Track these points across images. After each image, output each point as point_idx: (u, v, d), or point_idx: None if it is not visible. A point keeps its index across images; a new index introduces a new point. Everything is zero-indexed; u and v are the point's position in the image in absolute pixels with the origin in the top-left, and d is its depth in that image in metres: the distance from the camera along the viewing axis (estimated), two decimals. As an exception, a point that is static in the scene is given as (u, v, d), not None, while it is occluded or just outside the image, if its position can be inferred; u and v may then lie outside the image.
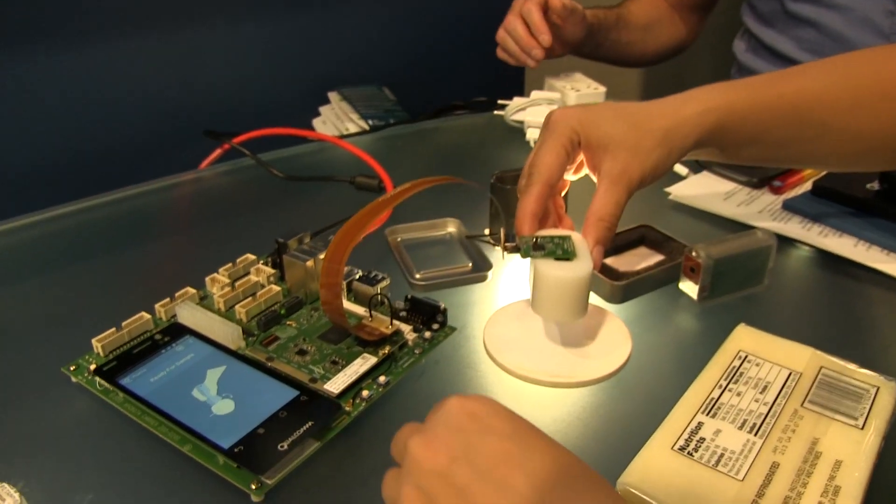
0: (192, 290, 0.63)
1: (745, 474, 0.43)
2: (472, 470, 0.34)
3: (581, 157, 0.60)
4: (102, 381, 0.54)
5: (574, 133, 0.58)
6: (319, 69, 1.15)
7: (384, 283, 0.62)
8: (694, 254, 0.62)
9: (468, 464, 0.35)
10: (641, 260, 0.69)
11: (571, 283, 0.55)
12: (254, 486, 0.46)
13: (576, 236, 0.58)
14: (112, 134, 1.02)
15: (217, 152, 0.93)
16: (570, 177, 0.63)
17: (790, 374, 0.51)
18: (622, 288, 0.64)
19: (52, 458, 0.50)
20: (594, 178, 0.60)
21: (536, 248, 0.56)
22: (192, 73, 1.06)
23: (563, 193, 0.64)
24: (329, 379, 0.53)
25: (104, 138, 1.01)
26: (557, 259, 0.55)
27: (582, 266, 0.55)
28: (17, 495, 0.35)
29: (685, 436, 0.46)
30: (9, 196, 0.96)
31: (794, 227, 0.74)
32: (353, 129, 1.04)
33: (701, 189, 0.83)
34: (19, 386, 0.57)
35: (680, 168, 0.87)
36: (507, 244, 0.58)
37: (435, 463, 0.35)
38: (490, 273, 0.68)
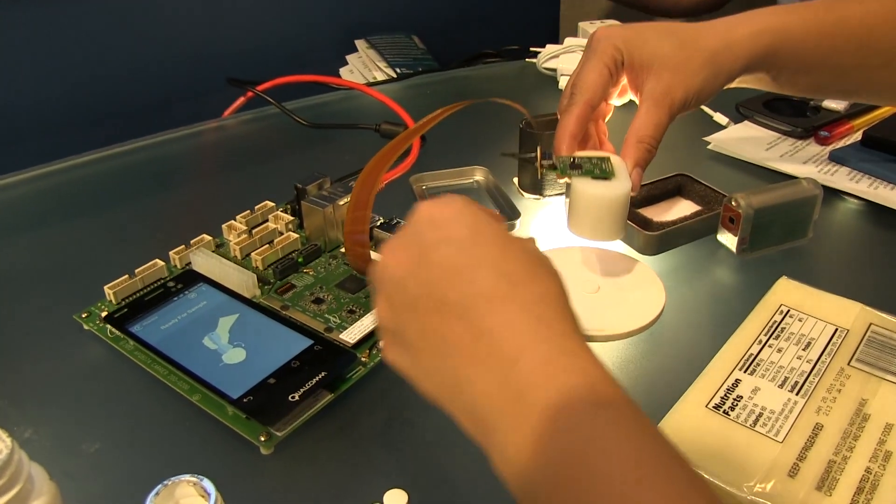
0: (207, 238, 0.60)
1: (786, 436, 0.40)
2: (420, 282, 0.35)
3: (624, 78, 0.57)
4: (113, 329, 0.52)
5: (618, 52, 0.55)
6: (347, 16, 1.12)
7: (407, 229, 0.60)
8: (733, 203, 0.59)
9: (418, 275, 0.35)
10: (678, 210, 0.66)
11: (609, 202, 0.52)
12: (263, 438, 0.44)
13: (615, 158, 0.56)
14: (135, 82, 1.00)
15: (241, 100, 0.91)
16: (614, 101, 0.60)
17: (836, 331, 0.48)
18: (656, 238, 0.60)
19: (62, 405, 0.49)
20: (636, 100, 0.57)
21: (574, 167, 0.54)
22: (217, 20, 1.04)
23: (605, 119, 0.61)
24: (345, 328, 0.51)
25: (127, 86, 0.99)
26: (595, 178, 0.53)
27: (620, 185, 0.53)
28: (8, 440, 0.33)
29: (721, 393, 0.43)
30: (30, 144, 0.95)
31: (841, 179, 0.70)
32: (380, 77, 1.00)
33: (742, 138, 0.79)
34: (32, 333, 0.55)
35: (720, 117, 0.83)
36: (543, 161, 0.55)
37: (394, 272, 0.36)
38: (518, 222, 0.64)
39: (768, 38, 0.54)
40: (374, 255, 0.58)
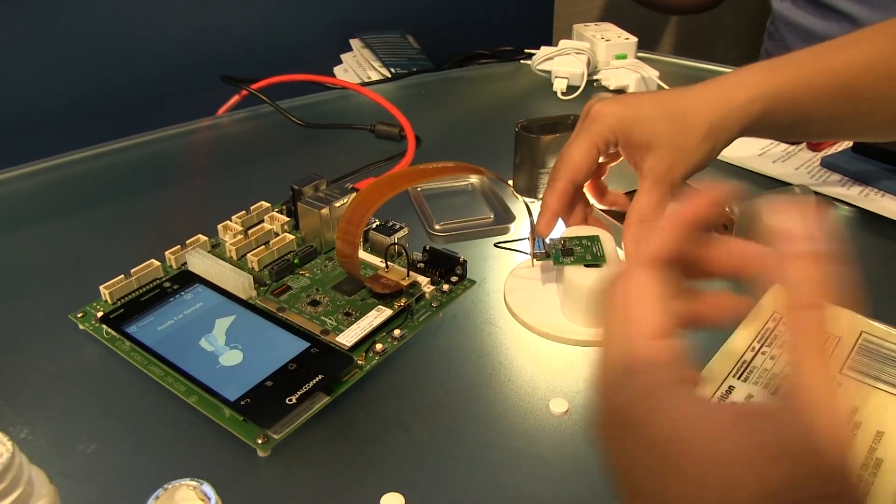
0: (203, 238, 0.60)
1: (779, 442, 0.41)
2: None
3: (617, 151, 0.58)
4: (109, 329, 0.52)
5: (612, 134, 0.55)
6: (342, 15, 1.12)
7: (402, 233, 0.60)
8: (727, 209, 0.59)
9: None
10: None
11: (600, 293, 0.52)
12: (260, 441, 0.44)
13: (604, 236, 0.56)
14: (128, 79, 1.00)
15: (235, 98, 0.91)
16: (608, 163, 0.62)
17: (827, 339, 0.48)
18: (651, 244, 0.61)
19: (58, 406, 0.49)
20: (636, 172, 0.58)
21: (565, 254, 0.54)
22: (211, 17, 1.03)
23: (603, 177, 0.63)
24: (342, 331, 0.51)
25: (120, 83, 0.98)
26: (587, 265, 0.53)
27: (612, 272, 0.52)
28: (8, 444, 0.33)
29: (715, 400, 0.44)
30: (23, 142, 0.94)
31: (832, 186, 0.71)
32: (375, 77, 1.00)
33: (734, 144, 0.79)
34: (27, 332, 0.55)
35: (714, 122, 0.83)
36: (536, 252, 0.56)
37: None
38: (513, 225, 0.65)
39: (761, 104, 0.55)
40: (363, 256, 0.58)
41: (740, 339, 0.49)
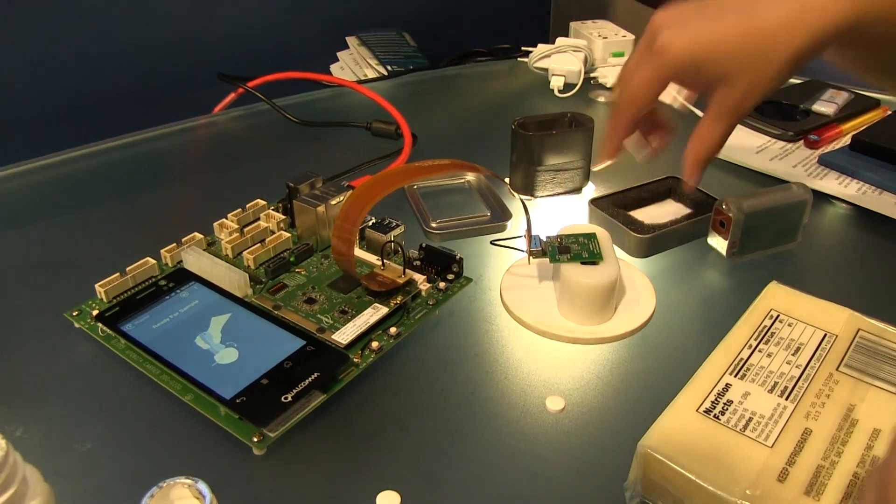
0: (199, 236, 0.60)
1: (775, 440, 0.41)
2: None
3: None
4: (104, 327, 0.52)
5: (681, 71, 0.51)
6: (338, 12, 1.11)
7: (398, 231, 0.60)
8: (724, 207, 0.59)
9: None
10: (668, 213, 0.66)
11: (600, 290, 0.53)
12: (256, 439, 0.44)
13: (601, 234, 0.56)
14: (123, 77, 0.99)
15: (231, 96, 0.91)
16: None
17: (825, 336, 0.48)
18: (647, 241, 0.61)
19: (53, 404, 0.49)
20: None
21: (562, 251, 0.54)
22: (207, 15, 1.03)
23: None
24: (338, 329, 0.51)
25: (115, 81, 0.98)
26: (584, 263, 0.53)
27: (609, 270, 0.53)
28: (2, 442, 0.33)
29: (711, 398, 0.44)
30: (17, 140, 0.94)
31: (830, 183, 0.71)
32: (371, 75, 1.00)
33: (732, 140, 0.78)
34: (22, 330, 0.55)
35: (711, 119, 0.83)
36: (533, 249, 0.55)
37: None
38: (509, 223, 0.65)
39: (855, 22, 0.47)
40: (359, 254, 0.58)
41: (737, 336, 0.48)
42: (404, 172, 0.54)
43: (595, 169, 0.58)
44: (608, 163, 0.57)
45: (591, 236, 0.56)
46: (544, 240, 0.56)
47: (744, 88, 0.50)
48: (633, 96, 0.53)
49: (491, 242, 0.59)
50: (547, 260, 0.55)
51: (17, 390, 0.50)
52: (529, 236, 0.56)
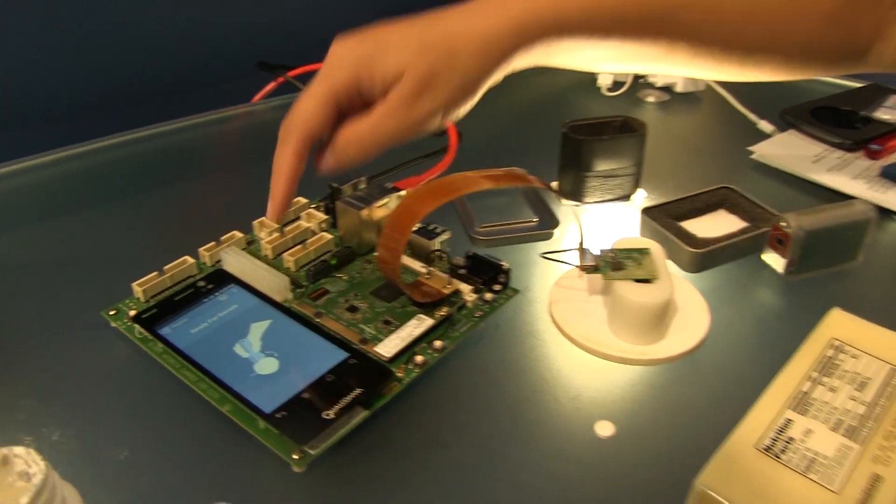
0: (238, 235, 0.59)
1: (842, 486, 0.38)
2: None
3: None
4: (141, 329, 0.50)
5: (353, 75, 0.46)
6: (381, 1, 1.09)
7: (444, 237, 0.58)
8: (783, 224, 0.57)
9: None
10: (721, 225, 0.63)
11: (654, 310, 0.50)
12: (296, 457, 0.42)
13: (655, 249, 0.54)
14: (161, 64, 0.97)
15: (271, 85, 0.89)
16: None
17: (892, 370, 0.46)
18: (701, 256, 0.58)
19: (89, 406, 0.48)
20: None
21: (615, 268, 0.52)
22: (247, 1, 1.01)
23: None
24: (380, 340, 0.50)
25: (151, 68, 0.96)
26: (637, 280, 0.51)
27: (663, 288, 0.51)
28: (42, 463, 0.32)
29: (771, 434, 0.42)
30: (56, 129, 0.93)
31: (893, 198, 0.68)
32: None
33: (787, 149, 0.76)
34: (59, 328, 0.54)
35: (765, 125, 0.80)
36: (586, 265, 0.53)
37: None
38: (557, 231, 0.63)
39: (539, 29, 0.46)
40: (403, 259, 0.56)
41: (797, 367, 0.46)
42: (455, 184, 0.51)
43: (272, 220, 0.50)
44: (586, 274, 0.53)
45: (646, 252, 0.53)
46: (597, 254, 0.54)
47: (419, 82, 0.45)
48: (302, 117, 0.47)
49: (541, 255, 0.57)
50: (598, 275, 0.53)
51: (54, 390, 0.49)
52: (582, 251, 0.54)
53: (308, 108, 0.46)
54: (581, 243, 0.54)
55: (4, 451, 0.32)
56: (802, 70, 0.51)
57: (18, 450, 0.32)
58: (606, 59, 0.48)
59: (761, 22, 0.47)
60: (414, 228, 0.57)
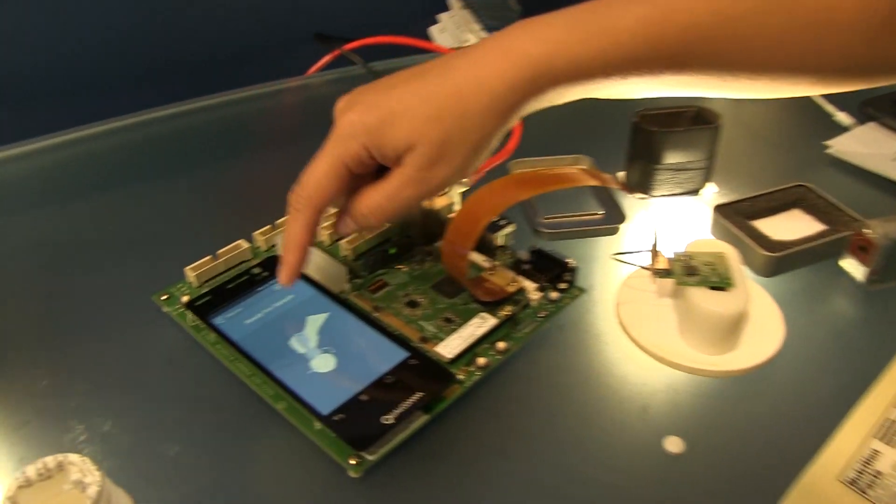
0: (295, 218, 0.57)
1: (939, 529, 0.36)
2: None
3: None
4: (194, 318, 0.49)
5: (362, 148, 0.44)
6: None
7: (508, 230, 0.55)
8: (867, 231, 0.53)
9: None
10: (797, 227, 0.60)
11: (729, 319, 0.48)
12: (353, 462, 0.41)
13: (731, 255, 0.51)
14: (214, 34, 0.95)
15: (327, 58, 0.86)
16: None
17: None
18: (776, 260, 0.55)
19: (140, 396, 0.46)
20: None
21: (689, 273, 0.49)
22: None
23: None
24: (442, 339, 0.47)
25: (205, 38, 0.94)
26: (713, 287, 0.48)
27: (739, 297, 0.48)
28: (97, 474, 0.30)
29: (856, 466, 0.39)
30: (106, 98, 0.91)
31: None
32: (473, 40, 0.95)
33: (866, 144, 0.72)
34: (112, 312, 0.53)
35: (843, 117, 0.76)
36: (658, 270, 0.50)
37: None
38: (623, 226, 0.60)
39: (545, 80, 0.43)
40: (473, 256, 0.54)
41: (883, 392, 0.43)
42: (531, 183, 0.49)
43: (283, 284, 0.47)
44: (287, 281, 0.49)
45: (721, 258, 0.51)
46: (669, 256, 0.51)
47: (434, 152, 0.43)
48: (313, 189, 0.45)
49: (613, 257, 0.55)
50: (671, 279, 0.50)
51: (106, 376, 0.48)
52: (655, 254, 0.51)
53: (320, 180, 0.45)
54: (655, 247, 0.51)
55: (60, 457, 0.31)
56: (841, 84, 0.48)
57: (74, 457, 0.31)
58: (630, 93, 0.45)
59: (791, 45, 0.43)
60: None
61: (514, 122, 0.44)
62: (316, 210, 0.46)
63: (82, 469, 0.30)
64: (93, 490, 0.30)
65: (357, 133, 0.44)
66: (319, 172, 0.45)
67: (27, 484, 0.30)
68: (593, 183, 0.47)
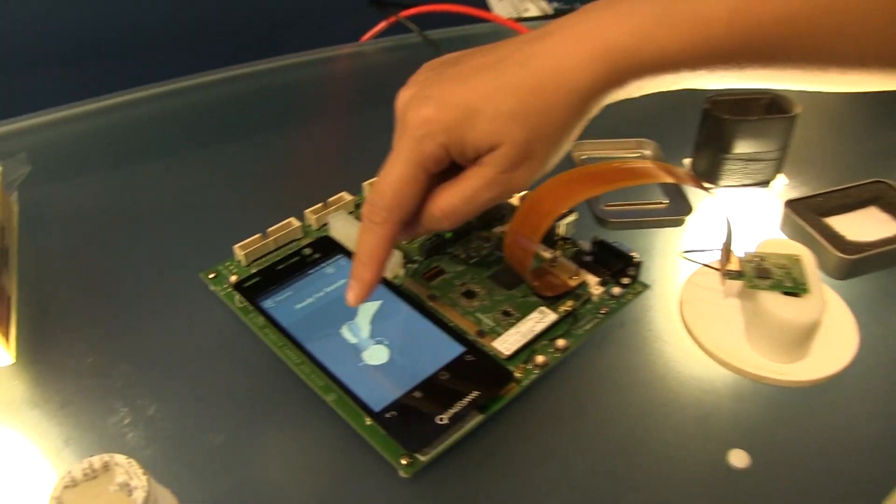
0: (347, 197, 0.55)
1: None
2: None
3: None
4: (242, 299, 0.47)
5: (441, 149, 0.40)
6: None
7: (570, 219, 0.53)
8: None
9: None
10: (872, 226, 0.57)
11: (801, 328, 0.45)
12: (404, 462, 0.39)
13: (806, 258, 0.48)
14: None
15: (382, 25, 0.84)
16: None
17: None
18: (852, 263, 0.52)
19: (185, 379, 0.45)
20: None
21: (761, 275, 0.46)
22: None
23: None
24: (499, 334, 0.45)
25: (258, 1, 0.92)
26: (786, 293, 0.45)
27: (814, 305, 0.45)
28: (143, 478, 0.29)
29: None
30: (154, 62, 0.89)
31: None
32: (533, 11, 0.92)
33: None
34: (158, 289, 0.51)
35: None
36: (728, 269, 0.48)
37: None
38: (688, 219, 0.57)
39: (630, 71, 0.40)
40: (538, 250, 0.51)
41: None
42: (605, 177, 0.45)
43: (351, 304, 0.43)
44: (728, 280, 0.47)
45: (796, 261, 0.48)
46: (740, 257, 0.48)
47: (518, 153, 0.40)
48: (392, 200, 0.41)
49: (681, 255, 0.52)
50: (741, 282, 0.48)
51: (150, 356, 0.46)
52: (727, 254, 0.48)
53: (399, 188, 0.41)
54: (727, 246, 0.48)
55: (106, 457, 0.29)
56: None
57: (120, 458, 0.29)
58: (708, 85, 0.42)
59: (893, 37, 0.40)
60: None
61: (593, 115, 0.41)
62: (397, 222, 0.42)
63: (128, 472, 0.29)
64: (139, 495, 0.28)
65: (434, 132, 0.40)
66: (397, 179, 0.41)
67: (73, 484, 0.29)
68: (669, 180, 0.45)
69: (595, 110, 0.41)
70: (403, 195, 0.41)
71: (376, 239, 0.42)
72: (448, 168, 0.41)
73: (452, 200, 0.41)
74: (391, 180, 0.41)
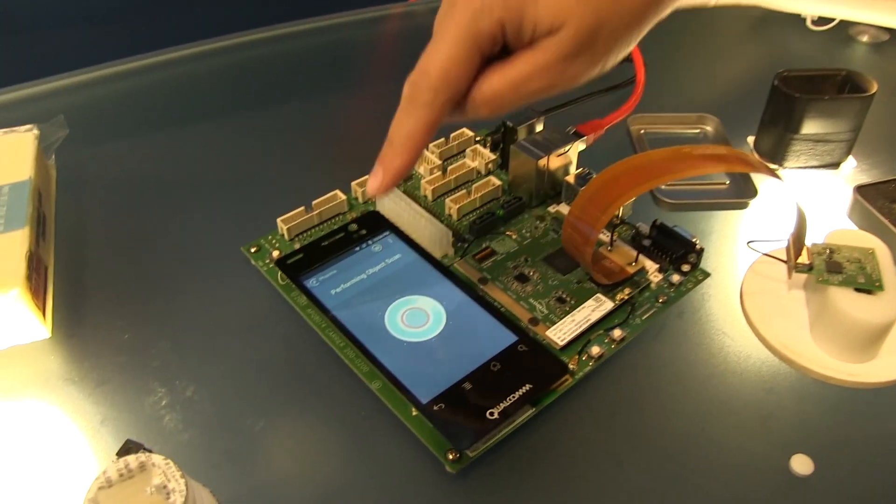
0: (396, 170, 0.52)
1: None
2: None
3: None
4: (284, 277, 0.45)
5: (496, 23, 0.35)
6: None
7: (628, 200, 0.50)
8: None
9: None
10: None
11: (874, 328, 0.42)
12: (451, 457, 0.37)
13: (881, 251, 0.45)
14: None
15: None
16: None
17: None
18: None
19: (225, 360, 0.43)
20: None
21: (832, 269, 0.44)
22: None
23: None
24: (553, 323, 0.43)
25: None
26: (858, 289, 0.43)
27: (889, 304, 0.42)
28: (182, 481, 0.27)
29: None
30: (196, 19, 0.86)
31: None
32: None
33: None
34: (199, 262, 0.50)
35: None
36: (797, 263, 0.45)
37: None
38: (752, 202, 0.54)
39: None
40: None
41: None
42: (674, 166, 0.42)
43: (371, 196, 0.41)
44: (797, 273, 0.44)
45: (870, 255, 0.45)
46: (809, 246, 0.45)
47: (586, 33, 0.35)
48: (440, 78, 0.36)
49: (748, 244, 0.49)
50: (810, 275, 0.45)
51: (189, 334, 0.45)
52: (797, 245, 0.45)
53: (449, 66, 0.35)
54: (797, 237, 0.45)
55: (143, 457, 0.28)
56: None
57: (157, 459, 0.28)
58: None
59: None
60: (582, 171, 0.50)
61: (664, 14, 0.37)
62: (443, 104, 0.36)
63: (166, 473, 0.27)
64: (177, 499, 0.27)
65: (493, 6, 0.34)
66: (448, 56, 0.35)
67: (108, 485, 0.27)
68: (745, 170, 0.42)
69: (668, 8, 0.37)
70: (454, 76, 0.36)
71: (415, 123, 0.37)
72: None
73: (496, 85, 0.36)
74: (440, 56, 0.36)
